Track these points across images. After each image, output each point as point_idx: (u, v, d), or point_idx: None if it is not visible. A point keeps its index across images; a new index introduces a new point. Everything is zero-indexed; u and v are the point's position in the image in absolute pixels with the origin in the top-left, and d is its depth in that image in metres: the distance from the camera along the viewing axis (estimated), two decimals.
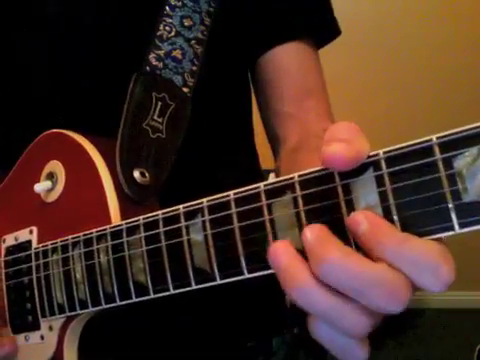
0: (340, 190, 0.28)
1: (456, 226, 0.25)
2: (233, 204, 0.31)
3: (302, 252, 0.28)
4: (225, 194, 0.32)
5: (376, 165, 0.27)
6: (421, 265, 0.25)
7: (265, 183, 0.30)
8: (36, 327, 0.44)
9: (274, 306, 0.61)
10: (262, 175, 0.66)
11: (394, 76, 2.19)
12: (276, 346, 0.59)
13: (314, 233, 0.27)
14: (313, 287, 0.27)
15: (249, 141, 0.62)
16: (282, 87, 0.54)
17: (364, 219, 0.26)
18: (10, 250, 0.47)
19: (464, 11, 2.12)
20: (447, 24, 2.15)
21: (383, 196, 0.26)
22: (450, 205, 0.25)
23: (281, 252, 0.28)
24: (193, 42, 0.49)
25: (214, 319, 0.54)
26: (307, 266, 0.27)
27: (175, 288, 0.34)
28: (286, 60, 0.54)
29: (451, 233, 0.25)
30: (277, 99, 0.55)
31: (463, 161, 0.24)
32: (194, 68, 0.49)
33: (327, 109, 0.55)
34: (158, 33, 0.48)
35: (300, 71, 0.55)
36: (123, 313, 0.40)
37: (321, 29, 0.57)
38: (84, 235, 0.40)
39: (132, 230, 0.37)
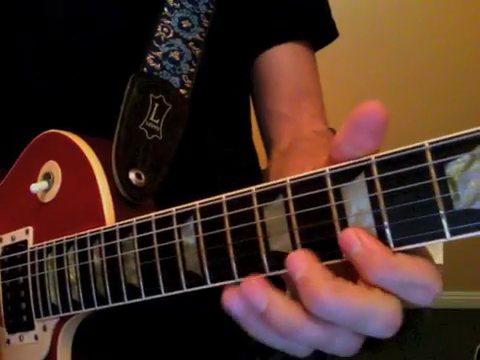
0: (331, 195, 0.27)
1: (447, 233, 0.24)
2: (225, 207, 0.31)
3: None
4: (217, 197, 0.32)
5: (368, 170, 0.26)
6: (414, 286, 0.25)
7: (257, 186, 0.30)
8: (30, 327, 0.44)
9: None
10: (261, 176, 0.66)
11: (393, 78, 2.19)
12: None
13: (302, 268, 0.26)
14: (304, 325, 0.26)
15: (248, 141, 0.62)
16: (276, 87, 0.54)
17: (357, 240, 0.25)
18: (6, 250, 0.48)
19: (463, 12, 2.11)
20: (446, 25, 2.14)
21: (374, 202, 0.26)
22: (441, 212, 0.24)
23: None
24: (191, 44, 0.48)
25: (212, 318, 0.54)
26: (296, 306, 0.27)
27: (166, 291, 0.34)
28: (282, 61, 0.54)
29: (442, 240, 0.25)
30: (271, 99, 0.55)
31: (455, 167, 0.24)
32: (192, 70, 0.48)
33: (321, 111, 0.55)
34: (156, 34, 0.48)
35: (295, 72, 0.54)
36: (119, 313, 0.40)
37: (318, 31, 0.56)
38: (78, 236, 0.40)
39: (125, 231, 0.37)
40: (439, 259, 1.74)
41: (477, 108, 2.01)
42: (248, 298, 0.28)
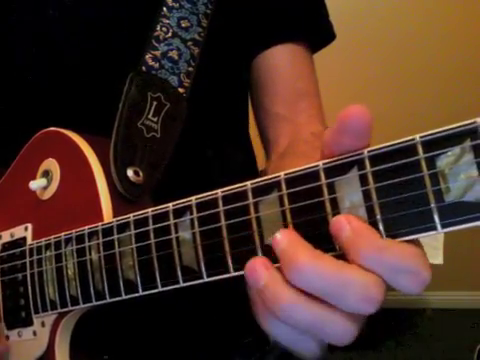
0: (325, 189, 0.28)
1: (438, 226, 0.25)
2: (221, 202, 0.31)
3: None
4: (213, 192, 0.32)
5: (360, 164, 0.27)
6: (401, 271, 0.25)
7: (252, 181, 0.31)
8: (29, 323, 0.44)
9: None
10: (259, 175, 0.66)
11: (390, 79, 2.19)
12: (272, 342, 0.59)
13: (284, 239, 0.27)
14: (296, 302, 0.27)
15: (246, 141, 0.62)
16: (275, 88, 0.55)
17: (347, 224, 0.26)
18: (6, 246, 0.48)
19: (461, 14, 2.11)
20: (443, 27, 2.14)
21: (367, 195, 0.26)
22: (432, 205, 0.25)
23: (259, 267, 0.28)
24: (190, 43, 0.49)
25: (211, 315, 0.54)
26: (286, 281, 0.27)
27: (163, 286, 0.34)
28: (280, 61, 0.54)
29: (433, 233, 0.25)
30: (269, 100, 0.55)
31: (446, 160, 0.25)
32: (190, 69, 0.49)
33: (319, 112, 0.55)
34: (155, 34, 0.48)
35: (293, 73, 0.55)
36: (118, 310, 0.41)
37: (316, 33, 0.57)
38: (76, 232, 0.40)
39: (122, 227, 0.37)
40: (439, 259, 1.74)
41: (474, 109, 2.02)
42: (249, 275, 0.28)
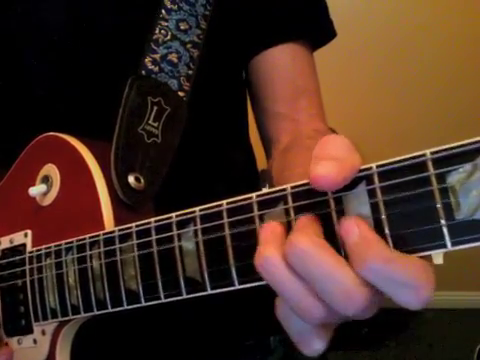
0: (332, 203, 0.27)
1: (448, 244, 0.24)
2: (225, 214, 0.31)
3: None
4: (218, 203, 0.32)
5: (369, 179, 0.26)
6: (403, 286, 0.25)
7: (257, 194, 0.30)
8: (29, 331, 0.44)
9: (273, 305, 0.60)
10: (259, 177, 0.66)
11: (391, 77, 2.18)
12: (274, 345, 0.59)
13: (301, 220, 0.28)
14: (279, 261, 0.27)
15: (246, 143, 0.62)
16: (275, 87, 0.54)
17: (356, 228, 0.26)
18: (5, 253, 0.47)
19: (464, 11, 2.10)
20: (448, 26, 2.13)
21: (375, 210, 0.26)
22: (443, 222, 0.24)
23: (267, 227, 0.29)
24: (189, 46, 0.48)
25: (213, 317, 0.54)
26: (280, 245, 0.28)
27: (166, 297, 0.34)
28: (280, 61, 0.54)
29: (443, 250, 0.25)
30: (270, 99, 0.55)
31: (457, 177, 0.24)
32: (190, 72, 0.48)
33: (319, 110, 0.55)
34: (154, 37, 0.47)
35: (293, 72, 0.54)
36: (119, 318, 0.40)
37: (316, 31, 0.56)
38: (77, 240, 0.40)
39: (125, 237, 0.37)
40: (439, 259, 1.73)
41: (476, 110, 2.01)
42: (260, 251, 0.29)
